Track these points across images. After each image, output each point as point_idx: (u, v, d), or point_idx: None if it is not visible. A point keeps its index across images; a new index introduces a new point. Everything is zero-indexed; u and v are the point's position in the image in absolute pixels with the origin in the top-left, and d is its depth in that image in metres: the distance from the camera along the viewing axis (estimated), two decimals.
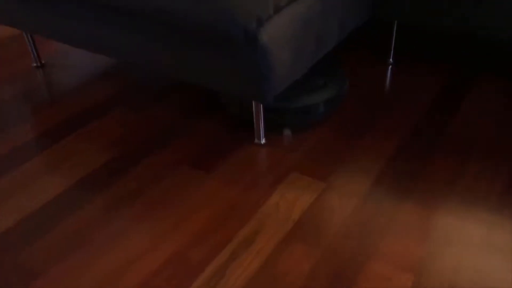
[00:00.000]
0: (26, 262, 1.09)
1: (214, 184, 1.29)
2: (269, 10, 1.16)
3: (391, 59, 1.79)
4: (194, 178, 1.31)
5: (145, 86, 1.73)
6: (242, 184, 1.28)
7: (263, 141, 1.42)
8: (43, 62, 1.90)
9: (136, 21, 1.33)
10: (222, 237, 1.13)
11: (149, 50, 1.37)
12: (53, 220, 1.19)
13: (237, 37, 1.15)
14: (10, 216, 1.21)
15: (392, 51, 1.79)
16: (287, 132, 1.42)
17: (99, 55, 1.93)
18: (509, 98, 1.55)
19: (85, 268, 1.07)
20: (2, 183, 1.31)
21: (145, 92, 1.69)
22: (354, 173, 1.30)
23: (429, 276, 1.02)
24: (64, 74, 1.84)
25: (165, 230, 1.16)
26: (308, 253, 1.09)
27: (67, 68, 1.87)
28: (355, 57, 1.83)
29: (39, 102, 1.66)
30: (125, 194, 1.26)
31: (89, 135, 1.49)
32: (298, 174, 1.31)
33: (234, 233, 1.14)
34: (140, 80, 1.77)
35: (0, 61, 1.94)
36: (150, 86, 1.73)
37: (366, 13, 1.59)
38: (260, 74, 1.19)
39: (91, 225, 1.18)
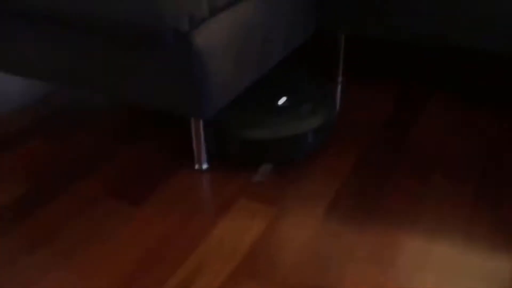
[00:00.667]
0: None
1: (145, 218, 1.08)
2: (203, 10, 1.01)
3: (340, 77, 1.68)
4: (120, 212, 1.10)
5: (70, 111, 1.52)
6: (178, 216, 1.09)
7: (204, 166, 1.24)
8: None
9: (54, 29, 1.14)
10: (153, 282, 0.93)
11: (72, 63, 1.18)
12: None
13: (167, 39, 0.98)
14: None
15: (341, 69, 1.68)
16: (266, 168, 1.20)
17: (19, 78, 1.71)
18: (464, 112, 1.46)
19: None
20: None
21: (70, 117, 1.48)
22: (307, 196, 1.14)
23: None
24: None
25: (84, 276, 0.94)
26: None
27: None
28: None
29: None
30: (38, 235, 1.04)
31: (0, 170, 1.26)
32: (246, 200, 1.14)
33: (168, 275, 0.94)
34: (65, 105, 1.56)
35: None
36: (76, 111, 1.52)
37: (312, 24, 1.48)
38: (196, 84, 1.03)
39: None
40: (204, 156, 1.23)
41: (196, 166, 1.24)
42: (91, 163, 1.27)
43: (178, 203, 1.13)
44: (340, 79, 1.68)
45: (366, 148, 1.31)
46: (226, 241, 1.02)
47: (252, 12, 1.15)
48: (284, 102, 1.23)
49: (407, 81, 1.65)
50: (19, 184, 1.20)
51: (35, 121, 1.47)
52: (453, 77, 1.67)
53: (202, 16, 1.00)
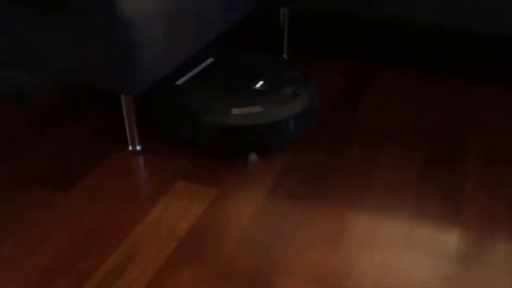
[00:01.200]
0: None
1: (73, 205, 0.99)
2: None
3: (285, 54, 1.63)
4: (45, 199, 1.00)
5: None
6: (111, 201, 1.00)
7: (138, 147, 1.16)
8: None
9: None
10: (81, 271, 0.84)
11: None
12: None
13: (91, 3, 0.89)
14: None
15: (286, 46, 1.63)
16: (252, 157, 1.11)
17: None
18: (413, 85, 1.44)
19: None
20: None
21: None
22: (250, 174, 1.08)
23: (348, 286, 0.82)
24: None
25: (6, 269, 0.84)
26: (199, 276, 0.83)
27: None
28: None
29: None
30: None
31: None
32: (184, 182, 1.06)
33: (99, 263, 0.85)
34: None
35: None
36: (0, 92, 1.39)
37: (252, 1, 1.41)
38: (123, 54, 0.94)
39: None
40: (136, 136, 1.14)
41: (130, 148, 1.15)
42: (16, 148, 1.15)
43: (110, 188, 1.04)
44: (285, 56, 1.63)
45: (317, 122, 1.26)
46: (163, 225, 0.94)
47: None
48: (262, 86, 1.17)
49: (354, 57, 1.62)
50: None
51: None
52: (400, 52, 1.65)
53: None
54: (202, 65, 1.27)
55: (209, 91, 1.17)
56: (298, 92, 1.14)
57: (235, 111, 1.08)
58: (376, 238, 0.92)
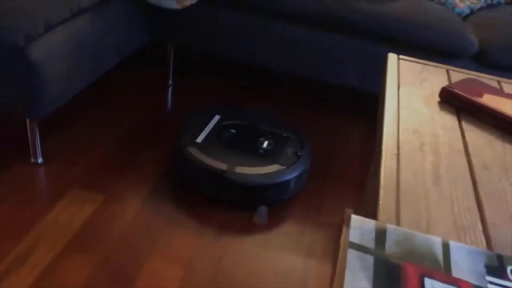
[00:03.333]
0: None
1: None
2: (39, 27, 1.17)
3: (170, 80, 1.94)
4: None
5: None
6: (11, 205, 1.24)
7: (40, 160, 1.40)
8: None
9: None
10: None
11: None
12: None
13: (4, 53, 1.13)
14: None
15: (171, 73, 1.94)
16: (262, 209, 1.32)
17: None
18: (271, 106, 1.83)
19: None
20: None
21: None
22: (133, 184, 1.38)
23: (197, 269, 1.16)
24: None
25: None
26: (86, 261, 1.12)
27: None
28: (136, 80, 1.92)
29: None
30: None
31: None
32: (78, 189, 1.33)
33: (6, 251, 1.11)
34: None
35: None
36: None
37: (142, 37, 1.71)
38: (31, 92, 1.20)
39: None
40: (39, 150, 1.39)
41: (32, 160, 1.39)
42: None
43: (12, 194, 1.28)
44: (170, 82, 1.94)
45: None
46: (59, 223, 1.21)
47: (84, 28, 1.34)
48: (268, 146, 1.40)
49: (227, 86, 1.97)
50: None
51: None
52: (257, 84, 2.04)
53: (38, 32, 1.17)
54: (212, 123, 1.49)
55: (227, 150, 1.38)
56: (299, 154, 1.40)
57: (254, 170, 1.32)
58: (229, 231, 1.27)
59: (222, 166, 1.32)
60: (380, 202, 0.60)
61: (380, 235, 0.52)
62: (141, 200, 1.33)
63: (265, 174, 1.33)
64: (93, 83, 1.51)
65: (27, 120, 1.33)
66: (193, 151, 1.35)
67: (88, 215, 1.25)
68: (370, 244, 0.51)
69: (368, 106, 2.02)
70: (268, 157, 1.39)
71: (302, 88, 2.06)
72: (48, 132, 1.51)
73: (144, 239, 1.21)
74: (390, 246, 0.51)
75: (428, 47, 1.55)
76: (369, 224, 0.54)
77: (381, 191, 0.62)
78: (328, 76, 1.71)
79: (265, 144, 1.43)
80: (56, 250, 1.14)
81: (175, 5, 1.56)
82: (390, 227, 0.54)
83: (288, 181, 1.35)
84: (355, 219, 0.54)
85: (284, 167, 1.36)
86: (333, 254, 1.27)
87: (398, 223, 0.58)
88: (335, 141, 1.73)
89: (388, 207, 0.59)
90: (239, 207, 1.36)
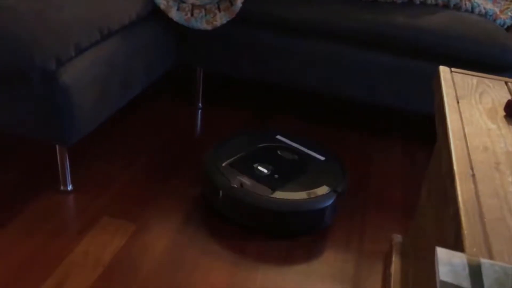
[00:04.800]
0: None
1: (7, 239, 1.17)
2: (70, 50, 1.14)
3: (200, 104, 1.89)
4: None
5: None
6: (43, 235, 1.19)
7: (70, 187, 1.35)
8: None
9: None
10: None
11: None
12: None
13: (34, 78, 1.10)
14: None
15: (200, 97, 1.89)
16: None
17: None
18: (299, 132, 1.76)
19: None
20: None
21: None
22: (164, 212, 1.32)
23: None
24: None
25: None
26: None
27: None
28: (165, 104, 1.88)
29: None
30: None
31: None
32: (109, 218, 1.27)
33: None
34: None
35: None
36: None
37: (171, 60, 1.67)
38: (61, 117, 1.15)
39: None
40: (68, 178, 1.34)
41: (62, 188, 1.35)
42: None
43: (43, 223, 1.23)
44: (200, 105, 1.89)
45: None
46: (89, 255, 1.15)
47: (115, 51, 1.30)
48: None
49: (255, 108, 1.91)
50: None
51: None
52: (293, 105, 1.98)
53: (68, 56, 1.13)
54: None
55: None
56: (337, 189, 1.29)
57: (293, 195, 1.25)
58: (266, 259, 1.19)
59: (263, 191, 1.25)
60: (465, 231, 0.51)
61: (476, 272, 0.44)
62: (173, 230, 1.26)
63: (303, 199, 1.25)
64: (122, 107, 1.47)
65: (56, 146, 1.29)
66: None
67: (119, 247, 1.19)
68: (466, 283, 0.43)
69: (403, 125, 1.94)
70: (307, 182, 1.31)
71: (333, 109, 1.99)
72: (77, 158, 1.46)
73: (178, 272, 1.14)
74: (490, 286, 0.43)
75: (471, 60, 1.47)
76: (459, 258, 0.46)
77: (463, 218, 0.54)
78: (362, 95, 1.64)
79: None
80: (87, 285, 1.07)
81: (204, 26, 1.52)
82: (485, 262, 0.46)
83: (327, 207, 1.27)
84: (442, 252, 0.46)
85: (326, 192, 1.28)
86: (382, 285, 1.18)
87: (490, 256, 0.49)
88: (371, 163, 1.65)
89: (473, 236, 0.51)
90: (275, 236, 1.28)
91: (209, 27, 1.52)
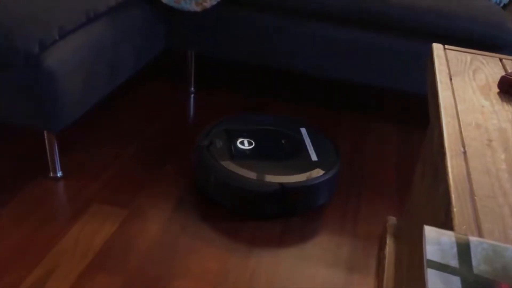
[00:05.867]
0: None
1: None
2: (53, 33, 1.11)
3: (192, 88, 1.86)
4: None
5: None
6: (32, 223, 1.17)
7: (59, 174, 1.33)
8: None
9: None
10: (7, 284, 1.01)
11: None
12: None
13: (17, 62, 1.07)
14: None
15: (192, 81, 1.86)
16: None
17: None
18: (292, 115, 1.74)
19: None
20: None
21: None
22: (156, 199, 1.30)
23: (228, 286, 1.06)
24: None
25: None
26: (110, 282, 1.04)
27: None
28: (155, 89, 1.85)
29: None
30: None
31: None
32: (99, 205, 1.26)
33: (23, 277, 1.03)
34: None
35: None
36: None
37: (160, 43, 1.64)
38: (46, 102, 1.12)
39: None
40: (58, 164, 1.32)
41: (51, 174, 1.32)
42: None
43: (33, 210, 1.21)
44: (192, 89, 1.86)
45: None
46: (80, 242, 1.13)
47: (101, 34, 1.27)
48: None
49: (248, 92, 1.89)
50: None
51: None
52: (280, 90, 1.95)
53: (52, 39, 1.11)
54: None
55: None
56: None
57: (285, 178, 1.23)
58: (258, 248, 1.17)
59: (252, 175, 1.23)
60: (454, 208, 0.50)
61: (464, 251, 0.42)
62: (165, 216, 1.24)
63: (297, 181, 1.23)
64: (111, 93, 1.44)
65: (44, 132, 1.26)
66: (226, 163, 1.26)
67: (110, 233, 1.17)
68: (453, 262, 0.41)
69: (397, 106, 1.91)
70: (298, 162, 1.29)
71: (326, 91, 1.97)
72: (67, 145, 1.44)
73: (171, 257, 1.12)
74: (478, 264, 0.41)
75: (466, 39, 1.45)
76: (448, 237, 0.44)
77: (453, 196, 0.52)
78: (355, 76, 1.61)
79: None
80: (76, 272, 1.06)
81: (194, 7, 1.48)
82: (474, 240, 0.44)
83: (322, 184, 1.25)
84: (430, 230, 0.44)
85: (321, 173, 1.26)
86: (376, 267, 1.17)
87: (480, 234, 0.47)
88: (365, 146, 1.63)
89: (463, 214, 0.49)
90: (268, 219, 1.27)
91: (198, 9, 1.49)
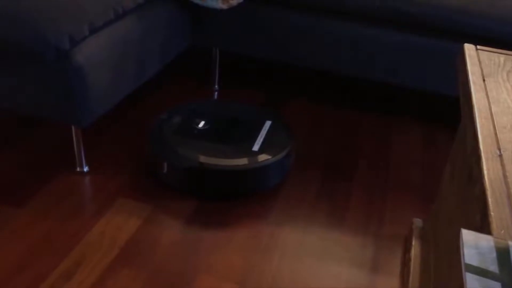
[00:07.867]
0: None
1: (26, 219, 1.17)
2: (84, 30, 1.13)
3: (216, 85, 1.87)
4: (1, 213, 1.18)
5: None
6: (60, 216, 1.19)
7: (86, 168, 1.35)
8: None
9: None
10: (37, 274, 1.03)
11: None
12: None
13: (49, 57, 1.08)
14: None
15: (216, 78, 1.87)
16: None
17: None
18: (314, 115, 1.73)
19: None
20: None
21: None
22: (180, 194, 1.31)
23: (251, 284, 1.06)
24: None
25: None
26: (134, 276, 1.05)
27: None
28: (181, 86, 1.86)
29: None
30: None
31: None
32: (124, 199, 1.27)
33: (52, 268, 1.05)
34: None
35: None
36: None
37: (186, 40, 1.64)
38: (75, 97, 1.14)
39: None
40: (83, 159, 1.34)
41: (78, 169, 1.34)
42: None
43: (60, 204, 1.23)
44: (216, 87, 1.87)
45: None
46: (105, 236, 1.15)
47: (128, 30, 1.28)
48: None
49: (270, 90, 1.88)
50: None
51: None
52: (308, 88, 1.94)
53: (82, 35, 1.12)
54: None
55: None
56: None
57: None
58: (276, 245, 1.17)
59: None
60: (492, 213, 0.49)
61: (503, 256, 0.42)
62: (189, 211, 1.25)
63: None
64: (137, 89, 1.46)
65: (72, 127, 1.28)
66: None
67: (135, 227, 1.18)
68: (493, 267, 0.40)
69: (421, 106, 1.89)
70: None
71: (350, 91, 1.95)
72: (93, 139, 1.46)
73: (194, 253, 1.13)
74: None
75: (494, 39, 1.42)
76: (486, 241, 0.43)
77: (490, 200, 0.51)
78: (381, 76, 1.60)
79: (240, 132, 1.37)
80: (102, 266, 1.07)
81: (220, 5, 1.49)
82: None
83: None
84: (468, 234, 0.44)
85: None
86: (401, 269, 1.16)
87: None
88: (390, 147, 1.61)
89: (501, 218, 0.48)
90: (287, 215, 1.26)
91: (225, 6, 1.49)
